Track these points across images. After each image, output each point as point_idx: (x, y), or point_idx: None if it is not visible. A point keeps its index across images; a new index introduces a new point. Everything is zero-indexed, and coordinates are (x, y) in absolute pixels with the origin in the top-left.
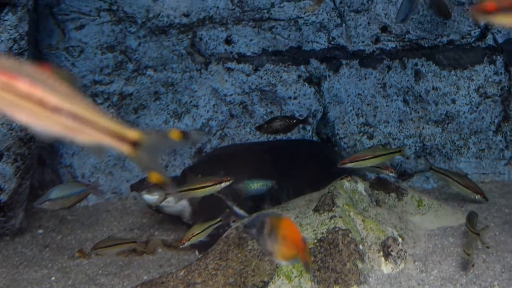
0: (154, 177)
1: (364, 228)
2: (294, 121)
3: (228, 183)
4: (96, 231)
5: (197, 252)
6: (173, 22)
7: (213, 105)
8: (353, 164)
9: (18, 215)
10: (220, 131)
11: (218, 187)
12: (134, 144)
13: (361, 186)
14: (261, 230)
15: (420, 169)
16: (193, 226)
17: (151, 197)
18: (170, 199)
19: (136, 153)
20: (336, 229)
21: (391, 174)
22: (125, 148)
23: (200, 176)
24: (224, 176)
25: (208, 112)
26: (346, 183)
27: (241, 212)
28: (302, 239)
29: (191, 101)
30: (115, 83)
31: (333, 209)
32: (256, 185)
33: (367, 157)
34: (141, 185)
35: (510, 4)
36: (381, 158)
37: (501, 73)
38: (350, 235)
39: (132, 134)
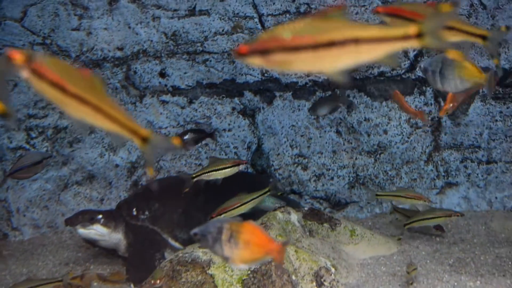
0: (151, 171)
1: (297, 259)
2: (203, 135)
3: (244, 165)
4: (31, 265)
5: (132, 286)
6: (107, 55)
7: None
8: (222, 216)
9: None
10: (156, 164)
11: (237, 168)
12: (144, 139)
13: (294, 217)
14: (218, 237)
15: (366, 199)
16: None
17: (86, 231)
18: (105, 231)
19: (145, 147)
20: (269, 260)
21: (427, 203)
22: (137, 142)
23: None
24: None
25: None
26: (279, 214)
27: (176, 244)
28: (271, 239)
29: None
30: (49, 117)
31: None
32: (269, 203)
33: (236, 206)
34: (76, 219)
35: (259, 46)
36: (250, 203)
37: (431, 104)
38: (283, 266)
39: (144, 131)
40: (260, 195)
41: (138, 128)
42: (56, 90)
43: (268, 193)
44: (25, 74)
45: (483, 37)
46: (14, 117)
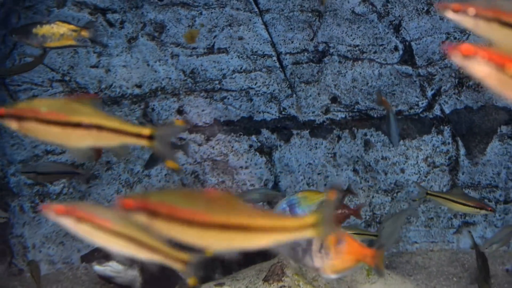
0: (170, 163)
1: None
2: None
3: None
4: None
5: None
6: (125, 92)
7: (165, 175)
8: None
9: None
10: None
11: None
12: (150, 138)
13: None
14: (309, 248)
15: (415, 196)
16: None
17: (102, 268)
18: (121, 268)
19: (153, 144)
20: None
21: (490, 212)
22: (143, 143)
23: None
24: None
25: (160, 181)
26: None
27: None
28: (363, 246)
29: (143, 171)
30: (67, 153)
31: (282, 279)
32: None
33: None
34: (92, 256)
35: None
36: None
37: (449, 143)
38: None
39: (146, 130)
40: None
41: (139, 130)
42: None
43: None
44: None
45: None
46: None
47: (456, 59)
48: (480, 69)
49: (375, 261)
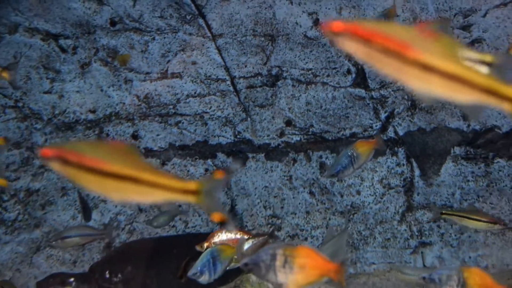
0: (217, 216)
1: None
2: None
3: None
4: None
5: None
6: (79, 118)
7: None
8: None
9: None
10: (129, 225)
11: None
12: (196, 193)
13: None
14: (272, 263)
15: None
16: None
17: None
18: None
19: (200, 199)
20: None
21: (503, 227)
22: (190, 199)
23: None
24: None
25: (116, 206)
26: (253, 277)
27: None
28: (327, 260)
29: (99, 196)
30: (21, 179)
31: None
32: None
33: None
34: (47, 283)
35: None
36: None
37: (403, 165)
38: None
39: (192, 185)
40: None
41: (185, 185)
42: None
43: None
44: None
45: None
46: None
47: (329, 36)
48: (349, 44)
49: (338, 276)
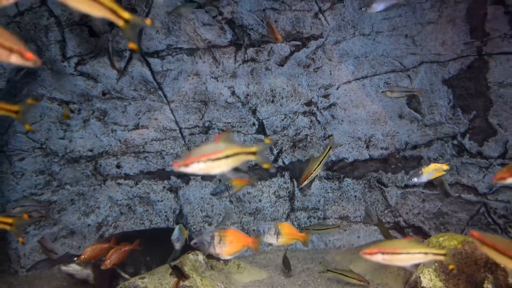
0: (266, 165)
1: (202, 284)
2: None
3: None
4: None
5: None
6: (82, 154)
7: (109, 207)
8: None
9: None
10: (114, 223)
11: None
12: (254, 153)
13: (200, 257)
14: (212, 241)
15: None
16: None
17: (66, 268)
18: (78, 268)
19: (257, 157)
20: (183, 286)
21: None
22: (251, 157)
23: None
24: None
25: (106, 211)
26: (191, 256)
27: (126, 276)
28: (247, 236)
29: (95, 204)
30: (45, 194)
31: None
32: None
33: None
34: (60, 260)
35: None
36: (322, 163)
37: (288, 182)
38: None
39: (253, 149)
40: (326, 153)
41: (249, 149)
42: None
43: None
44: None
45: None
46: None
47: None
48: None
49: (255, 245)
